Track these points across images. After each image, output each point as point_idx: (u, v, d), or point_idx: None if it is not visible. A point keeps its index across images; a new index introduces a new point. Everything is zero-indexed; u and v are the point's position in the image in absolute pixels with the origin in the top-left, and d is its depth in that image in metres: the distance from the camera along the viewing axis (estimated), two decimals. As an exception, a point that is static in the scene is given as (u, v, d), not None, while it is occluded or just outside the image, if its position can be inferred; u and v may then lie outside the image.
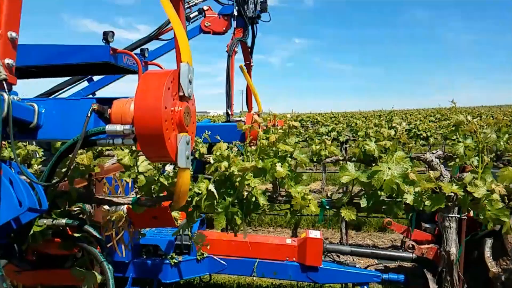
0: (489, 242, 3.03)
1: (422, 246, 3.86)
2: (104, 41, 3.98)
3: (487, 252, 3.04)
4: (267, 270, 3.78)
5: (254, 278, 4.41)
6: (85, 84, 4.74)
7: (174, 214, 2.75)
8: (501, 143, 2.75)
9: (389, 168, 2.08)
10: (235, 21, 4.90)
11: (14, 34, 1.63)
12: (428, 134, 12.01)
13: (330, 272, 3.76)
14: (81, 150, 2.19)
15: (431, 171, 2.16)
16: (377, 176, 2.08)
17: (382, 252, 3.97)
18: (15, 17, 1.66)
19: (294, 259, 3.78)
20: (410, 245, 3.91)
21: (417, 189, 2.09)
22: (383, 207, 2.16)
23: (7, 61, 1.59)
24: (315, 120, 24.86)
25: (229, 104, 4.71)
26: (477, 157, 2.33)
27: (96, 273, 1.97)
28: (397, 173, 2.07)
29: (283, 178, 2.23)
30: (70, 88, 4.63)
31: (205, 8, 4.98)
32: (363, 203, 2.16)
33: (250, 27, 5.01)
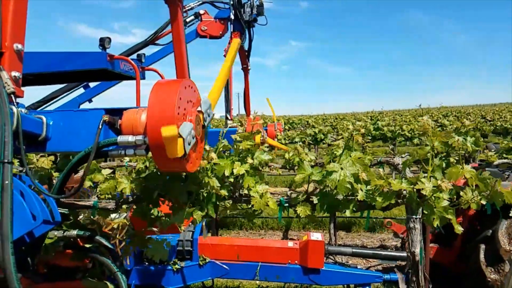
0: (505, 222, 3.10)
1: (423, 246, 3.89)
2: (100, 48, 3.97)
3: (501, 232, 3.10)
4: (269, 274, 3.78)
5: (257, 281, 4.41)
6: (81, 90, 4.72)
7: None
8: (468, 144, 2.82)
9: (341, 169, 2.14)
10: (231, 25, 4.87)
11: (20, 46, 1.62)
12: (413, 134, 12.32)
13: (332, 274, 3.76)
14: (41, 154, 2.18)
15: (380, 170, 2.22)
16: (331, 177, 2.13)
17: (383, 253, 3.99)
18: (20, 29, 1.65)
19: (296, 262, 3.78)
20: (411, 245, 3.93)
21: (369, 187, 2.16)
22: (338, 204, 2.21)
23: (14, 73, 1.58)
24: (306, 123, 25.01)
25: (228, 109, 4.70)
26: (438, 158, 2.39)
27: (108, 283, 1.96)
28: (349, 173, 2.13)
29: (242, 177, 2.26)
30: (66, 95, 4.60)
31: (201, 12, 4.95)
32: (316, 200, 2.20)
33: (246, 31, 4.99)
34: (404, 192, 2.16)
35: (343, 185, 2.10)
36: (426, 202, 2.09)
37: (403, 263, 4.31)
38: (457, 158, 2.87)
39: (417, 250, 2.64)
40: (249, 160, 2.27)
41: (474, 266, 3.18)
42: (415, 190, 2.12)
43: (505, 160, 3.03)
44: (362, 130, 2.44)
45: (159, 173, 2.14)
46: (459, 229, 2.10)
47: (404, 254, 3.98)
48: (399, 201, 2.17)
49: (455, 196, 2.17)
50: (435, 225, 2.12)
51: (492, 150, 4.10)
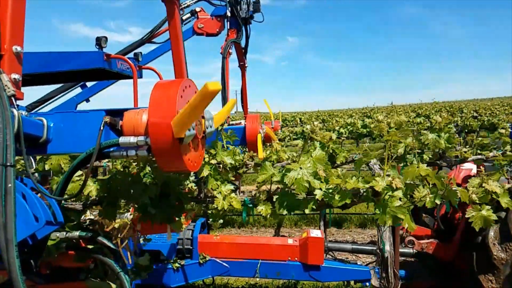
0: None
1: (422, 241, 3.92)
2: (97, 47, 3.96)
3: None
4: (270, 271, 3.80)
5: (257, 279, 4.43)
6: (78, 90, 4.71)
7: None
8: (442, 142, 2.83)
9: (300, 168, 2.16)
10: (228, 22, 4.87)
11: (19, 48, 1.61)
12: (401, 130, 12.29)
13: (332, 270, 3.79)
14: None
15: (338, 169, 2.24)
16: (289, 175, 2.15)
17: (383, 249, 4.01)
18: (19, 30, 1.64)
19: (296, 259, 3.80)
20: (410, 240, 3.96)
21: (330, 187, 2.17)
22: (298, 203, 2.23)
23: (14, 76, 1.57)
24: (299, 120, 25.03)
25: (225, 107, 4.68)
26: (412, 155, 2.37)
27: (112, 284, 1.97)
28: (307, 172, 2.15)
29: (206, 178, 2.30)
30: (63, 95, 4.59)
31: (198, 9, 4.94)
32: (277, 200, 2.22)
33: (243, 28, 4.99)
34: (361, 190, 2.17)
35: (301, 183, 2.12)
36: (380, 201, 2.09)
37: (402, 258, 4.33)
38: (430, 156, 2.88)
39: (386, 247, 2.66)
40: (212, 161, 2.30)
41: (479, 245, 3.22)
42: (369, 189, 2.12)
43: (479, 156, 3.05)
44: (318, 130, 2.45)
45: (120, 177, 2.15)
46: (412, 227, 2.09)
47: (404, 249, 4.02)
48: (355, 199, 2.18)
49: (408, 195, 2.15)
50: (388, 225, 2.12)
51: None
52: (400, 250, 4.03)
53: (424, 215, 4.33)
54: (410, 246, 3.95)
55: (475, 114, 18.67)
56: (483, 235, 3.20)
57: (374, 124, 13.38)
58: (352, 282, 3.97)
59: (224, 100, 4.69)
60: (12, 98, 1.51)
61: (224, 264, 3.80)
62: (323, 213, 5.33)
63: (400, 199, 2.05)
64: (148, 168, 2.22)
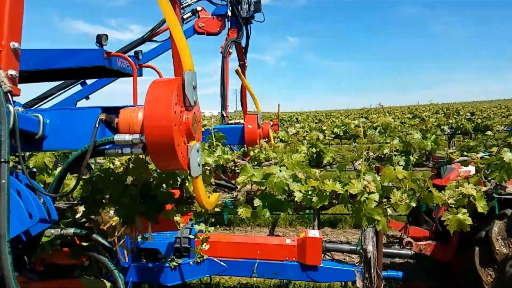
0: None
1: (420, 243, 3.91)
2: (97, 45, 3.96)
3: None
4: (267, 271, 3.79)
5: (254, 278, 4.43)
6: (78, 87, 4.71)
7: (176, 218, 2.75)
8: (428, 143, 2.82)
9: (280, 171, 2.18)
10: (229, 22, 4.88)
11: (16, 45, 1.62)
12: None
13: (329, 271, 3.77)
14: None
15: (316, 170, 2.24)
16: (270, 178, 2.16)
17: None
18: (17, 27, 1.64)
19: (293, 259, 3.79)
20: (408, 242, 3.95)
21: (308, 189, 2.17)
22: (278, 205, 2.23)
23: (11, 72, 1.58)
24: (295, 120, 25.05)
25: (224, 106, 4.70)
26: (398, 156, 2.37)
27: (106, 281, 1.96)
28: (287, 175, 2.16)
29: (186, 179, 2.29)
30: (63, 92, 4.59)
31: (199, 8, 4.95)
32: (257, 202, 2.22)
33: (244, 28, 4.99)
34: (340, 192, 2.17)
35: (281, 186, 2.13)
36: (357, 203, 2.09)
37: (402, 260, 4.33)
38: (416, 157, 2.88)
39: (369, 248, 2.64)
40: None
41: (481, 240, 3.26)
42: (346, 192, 2.12)
43: (466, 158, 3.06)
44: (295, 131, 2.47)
45: (103, 175, 2.14)
46: (385, 228, 2.09)
47: (402, 251, 4.01)
48: (334, 201, 2.18)
49: (384, 198, 2.15)
50: (364, 225, 2.13)
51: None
52: (398, 251, 4.03)
53: (424, 215, 4.35)
54: (408, 247, 3.94)
55: (469, 115, 18.62)
56: (486, 230, 3.22)
57: (366, 124, 13.45)
58: (349, 283, 3.96)
59: (223, 99, 4.69)
60: (8, 94, 1.51)
61: (222, 263, 3.79)
62: (316, 213, 5.35)
63: (377, 201, 2.06)
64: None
